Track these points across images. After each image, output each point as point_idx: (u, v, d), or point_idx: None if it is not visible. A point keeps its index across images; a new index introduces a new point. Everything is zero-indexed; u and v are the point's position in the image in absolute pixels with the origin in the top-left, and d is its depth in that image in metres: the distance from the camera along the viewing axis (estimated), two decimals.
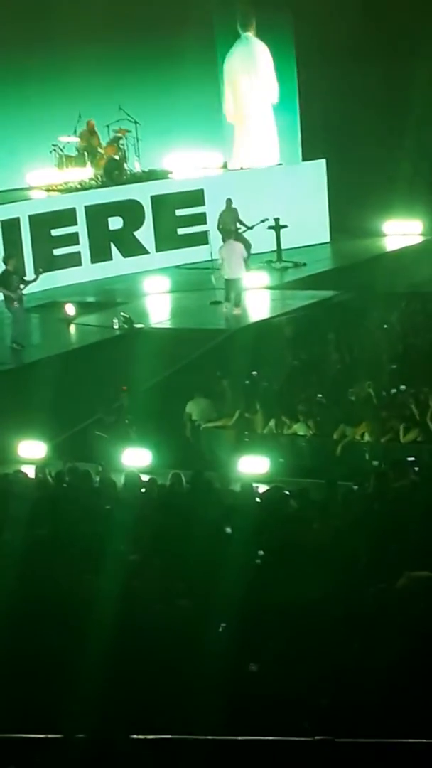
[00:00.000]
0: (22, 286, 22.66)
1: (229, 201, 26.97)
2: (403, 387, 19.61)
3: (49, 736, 7.97)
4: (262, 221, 24.75)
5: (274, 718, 8.37)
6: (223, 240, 26.04)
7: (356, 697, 8.54)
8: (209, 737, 7.81)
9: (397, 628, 9.39)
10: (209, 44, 29.60)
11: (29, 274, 23.18)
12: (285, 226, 27.60)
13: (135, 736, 7.78)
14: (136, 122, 28.58)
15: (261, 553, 11.80)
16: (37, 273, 22.90)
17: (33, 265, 25.14)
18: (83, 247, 27.17)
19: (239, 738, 7.77)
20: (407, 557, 11.11)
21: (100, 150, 28.62)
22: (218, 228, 26.78)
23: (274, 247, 27.77)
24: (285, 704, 8.59)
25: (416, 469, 15.63)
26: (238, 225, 26.30)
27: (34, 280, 22.87)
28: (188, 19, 28.15)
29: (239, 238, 25.68)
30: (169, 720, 8.29)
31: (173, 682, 9.00)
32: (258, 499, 14.45)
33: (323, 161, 29.39)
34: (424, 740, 7.60)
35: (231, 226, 26.52)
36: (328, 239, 29.30)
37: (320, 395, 19.91)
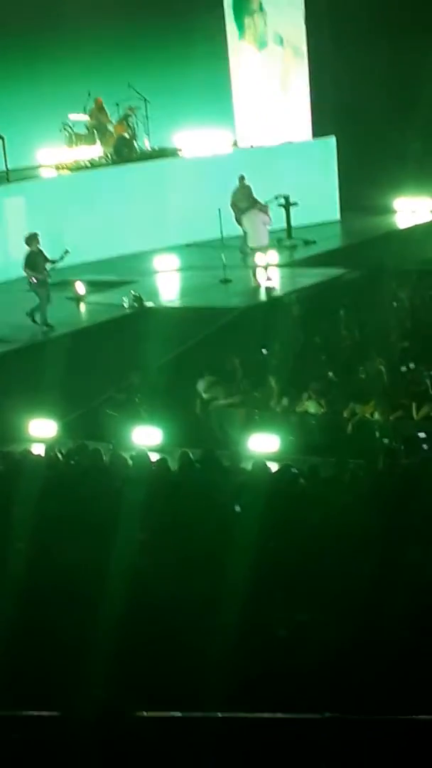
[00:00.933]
0: (48, 266, 22.57)
1: (241, 177, 26.97)
2: (412, 365, 19.59)
3: (55, 714, 8.02)
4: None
5: (283, 695, 8.39)
6: (236, 217, 26.18)
7: (365, 674, 8.56)
8: (218, 714, 7.84)
9: (405, 604, 9.42)
10: (219, 21, 29.50)
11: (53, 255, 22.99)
12: (295, 204, 27.53)
13: (144, 713, 7.81)
14: (146, 100, 28.51)
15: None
16: (64, 253, 22.78)
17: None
18: None
19: (248, 715, 7.80)
20: (417, 533, 11.13)
21: (109, 128, 28.57)
22: (231, 205, 26.78)
23: (284, 225, 27.72)
24: (294, 681, 8.62)
25: (425, 447, 15.63)
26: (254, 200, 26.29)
27: (61, 259, 22.70)
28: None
29: (262, 209, 25.60)
30: (179, 697, 8.33)
31: (183, 660, 9.04)
32: (268, 478, 14.45)
33: (333, 138, 29.31)
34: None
35: (243, 203, 26.56)
36: (338, 217, 29.23)
37: (331, 373, 19.88)
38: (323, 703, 7.88)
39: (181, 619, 9.73)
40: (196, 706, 7.97)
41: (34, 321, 22.54)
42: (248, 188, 26.92)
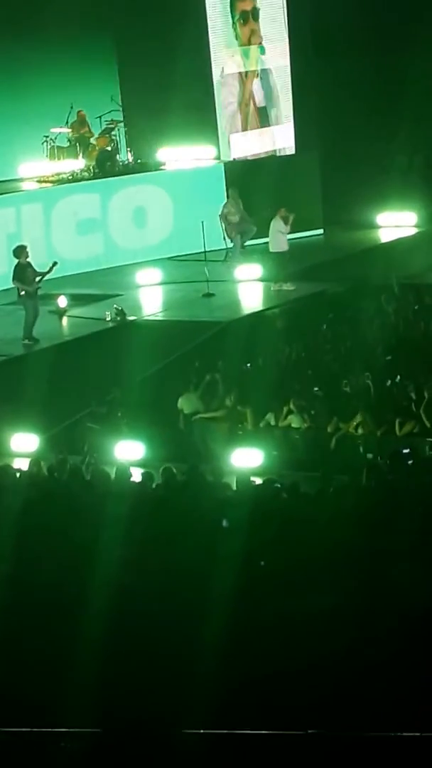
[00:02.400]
0: (37, 279, 22.48)
1: (232, 191, 27.22)
2: (398, 378, 19.56)
3: (45, 729, 7.94)
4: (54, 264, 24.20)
5: (268, 712, 8.32)
6: (226, 231, 26.80)
7: (352, 691, 8.49)
8: (202, 731, 7.78)
9: (392, 620, 9.35)
10: (202, 35, 29.48)
11: (42, 266, 22.91)
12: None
13: (129, 730, 7.74)
14: (122, 112, 28.45)
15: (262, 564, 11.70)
16: (53, 264, 22.69)
17: None
18: None
19: (233, 732, 7.73)
20: (401, 549, 11.06)
21: (92, 141, 28.52)
22: (220, 217, 26.82)
23: (268, 239, 27.67)
24: (280, 697, 8.55)
25: (410, 462, 15.58)
26: None
27: (50, 271, 22.63)
28: (181, 9, 28.12)
29: (283, 217, 25.70)
30: (164, 714, 8.24)
31: (168, 677, 8.96)
32: (252, 493, 14.37)
33: (316, 152, 29.31)
34: (416, 734, 7.56)
35: (234, 217, 26.64)
36: (321, 231, 29.20)
37: (316, 388, 19.83)
38: (308, 720, 7.82)
39: (166, 636, 9.63)
40: (180, 723, 7.89)
41: (31, 340, 22.42)
42: (239, 201, 26.98)
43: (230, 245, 27.36)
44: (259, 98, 29.94)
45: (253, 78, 29.78)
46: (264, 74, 29.81)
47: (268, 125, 29.87)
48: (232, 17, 29.23)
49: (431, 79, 28.47)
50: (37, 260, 23.15)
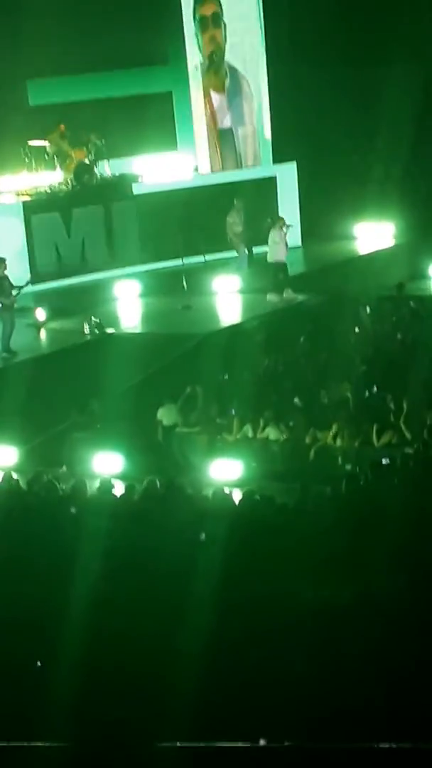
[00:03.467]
0: (14, 291, 22.45)
1: (237, 201, 27.52)
2: (375, 390, 19.61)
3: (25, 744, 7.91)
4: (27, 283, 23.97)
5: (247, 725, 8.31)
6: (230, 240, 27.19)
7: (333, 704, 8.49)
8: (179, 744, 7.77)
9: (374, 629, 9.37)
10: (179, 46, 29.53)
11: (19, 280, 22.90)
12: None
13: (106, 743, 7.72)
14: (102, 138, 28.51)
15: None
16: (28, 281, 22.71)
17: None
18: None
19: (209, 744, 7.73)
20: (380, 559, 11.08)
21: (69, 154, 28.49)
22: (227, 227, 27.27)
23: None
24: (259, 709, 8.54)
25: (389, 472, 15.59)
26: None
27: (26, 285, 22.62)
28: (159, 21, 28.19)
29: (282, 226, 25.76)
30: (141, 727, 8.23)
31: (145, 690, 8.94)
32: (232, 505, 14.37)
33: (294, 164, 29.39)
34: (394, 745, 7.58)
35: (238, 227, 27.29)
36: (299, 243, 29.25)
37: (297, 399, 19.86)
38: (288, 733, 7.82)
39: (144, 649, 9.62)
40: (157, 736, 7.88)
41: (9, 353, 22.39)
42: (242, 212, 27.40)
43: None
44: (223, 119, 30.06)
45: (217, 96, 29.89)
46: (233, 91, 29.92)
47: (234, 147, 29.97)
48: (194, 25, 29.32)
49: (408, 90, 28.58)
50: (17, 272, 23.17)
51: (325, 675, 8.84)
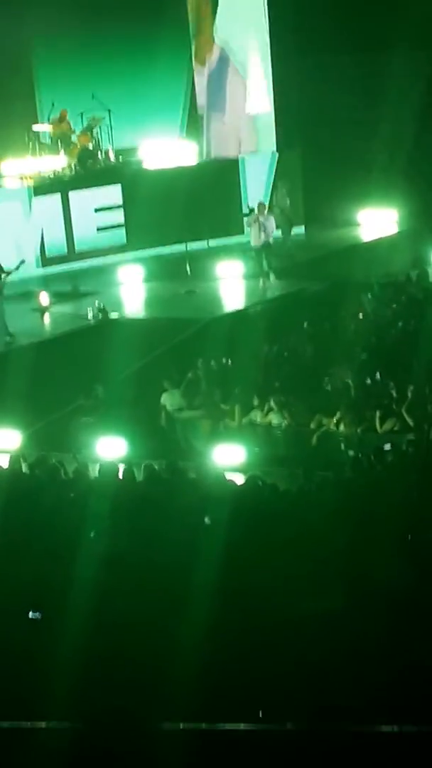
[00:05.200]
0: (3, 275, 22.44)
1: (282, 182, 28.06)
2: (378, 376, 19.62)
3: (27, 725, 7.95)
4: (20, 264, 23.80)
5: (249, 708, 8.35)
6: (277, 221, 27.17)
7: (334, 687, 8.53)
8: (183, 725, 7.81)
9: (375, 614, 9.41)
10: (183, 32, 29.52)
11: (8, 264, 22.89)
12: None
13: (110, 724, 7.76)
14: (109, 111, 28.47)
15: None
16: (20, 263, 22.68)
17: None
18: None
19: (213, 726, 7.76)
20: (383, 544, 11.12)
21: (73, 139, 28.49)
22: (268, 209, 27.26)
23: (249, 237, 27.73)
24: (261, 693, 8.58)
25: (390, 459, 15.63)
26: None
27: (17, 269, 22.61)
28: (162, 6, 28.15)
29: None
30: (145, 709, 8.27)
31: (149, 672, 8.98)
32: (235, 490, 14.40)
33: (298, 151, 29.37)
34: (396, 728, 7.62)
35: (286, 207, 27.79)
36: (302, 230, 29.24)
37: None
38: (288, 716, 7.86)
39: (147, 631, 9.66)
40: (161, 717, 7.92)
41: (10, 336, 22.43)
42: (286, 192, 28.00)
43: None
44: (201, 100, 30.05)
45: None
46: (218, 72, 29.90)
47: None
48: None
49: (412, 76, 28.54)
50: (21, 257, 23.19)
51: (330, 656, 8.89)
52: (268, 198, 28.40)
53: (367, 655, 8.96)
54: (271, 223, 26.12)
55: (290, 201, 28.40)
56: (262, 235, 25.65)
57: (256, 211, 25.99)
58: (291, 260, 27.30)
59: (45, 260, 27.02)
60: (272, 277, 25.48)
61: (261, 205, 26.34)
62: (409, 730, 7.55)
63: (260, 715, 7.98)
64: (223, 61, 29.90)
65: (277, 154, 29.40)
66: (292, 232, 28.29)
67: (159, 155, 29.05)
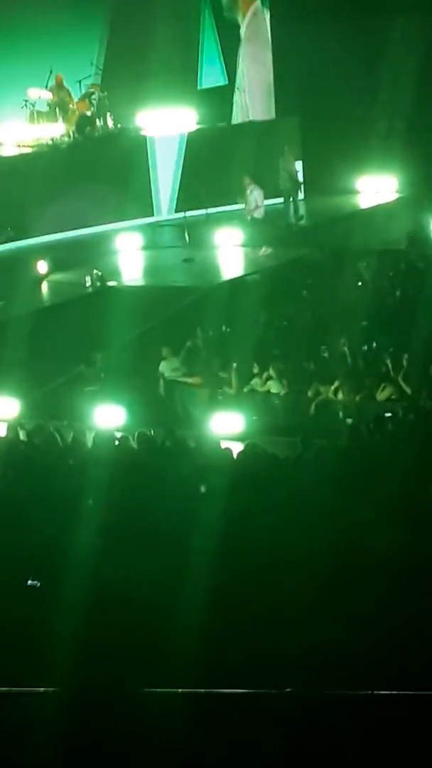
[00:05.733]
0: None
1: (289, 146, 27.90)
2: (374, 344, 19.62)
3: (25, 690, 7.98)
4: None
5: (250, 677, 8.38)
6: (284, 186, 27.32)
7: (332, 655, 8.55)
8: (181, 690, 7.83)
9: (371, 583, 9.42)
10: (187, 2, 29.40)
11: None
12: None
13: (106, 690, 7.78)
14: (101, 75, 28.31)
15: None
16: (7, 230, 22.66)
17: None
18: None
19: (211, 691, 7.79)
20: (380, 512, 11.13)
21: (71, 106, 28.35)
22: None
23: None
24: (259, 660, 8.61)
25: (389, 426, 15.65)
26: None
27: (1, 236, 22.59)
28: None
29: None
30: (142, 675, 8.30)
31: (147, 641, 9.00)
32: (233, 457, 14.41)
33: (297, 119, 29.26)
34: (394, 692, 7.64)
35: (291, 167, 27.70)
36: (301, 197, 29.16)
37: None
38: (288, 681, 7.89)
39: (144, 600, 9.67)
40: (157, 683, 7.95)
41: None
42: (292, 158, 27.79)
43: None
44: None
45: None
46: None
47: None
48: None
49: (412, 43, 28.38)
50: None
51: (327, 624, 8.90)
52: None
53: (366, 622, 8.98)
54: (258, 192, 26.04)
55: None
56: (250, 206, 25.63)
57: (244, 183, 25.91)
58: (299, 225, 27.25)
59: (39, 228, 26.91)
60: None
61: (247, 177, 26.33)
62: (406, 695, 7.59)
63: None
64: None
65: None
66: (300, 196, 28.08)
67: (158, 122, 28.92)
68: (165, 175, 27.92)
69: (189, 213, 26.42)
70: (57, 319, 22.03)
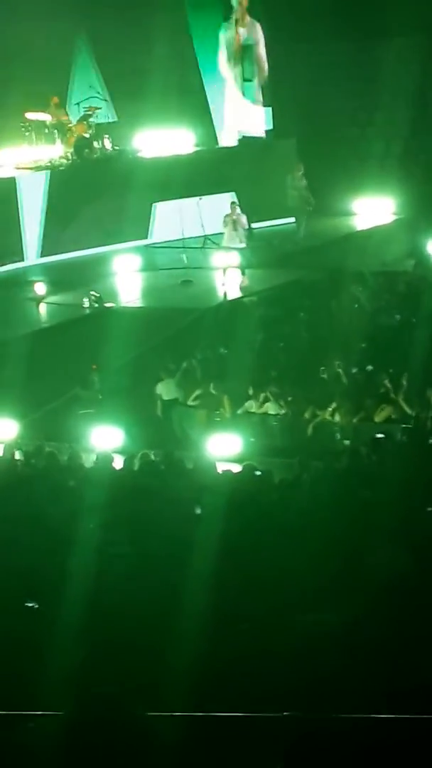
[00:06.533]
0: None
1: (299, 165, 27.87)
2: (370, 367, 19.65)
3: (18, 712, 7.95)
4: None
5: (246, 696, 8.36)
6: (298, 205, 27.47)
7: (328, 674, 8.54)
8: (178, 713, 7.81)
9: (371, 603, 9.41)
10: (182, 22, 29.46)
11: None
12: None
13: (103, 712, 7.76)
14: (106, 100, 28.43)
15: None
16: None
17: None
18: None
19: (209, 714, 7.77)
20: (378, 534, 11.12)
21: (69, 128, 28.44)
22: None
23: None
24: (258, 682, 8.59)
25: (386, 448, 15.65)
26: None
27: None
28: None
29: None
30: (138, 697, 8.28)
31: (143, 660, 8.99)
32: (231, 479, 14.40)
33: (294, 140, 29.35)
34: (393, 715, 7.62)
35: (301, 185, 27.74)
36: (295, 220, 29.22)
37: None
38: (286, 703, 7.86)
39: (142, 622, 9.66)
40: (154, 705, 7.93)
41: None
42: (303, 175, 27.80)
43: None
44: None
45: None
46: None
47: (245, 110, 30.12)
48: None
49: (408, 63, 28.51)
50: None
51: (326, 645, 8.89)
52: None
53: (365, 644, 8.96)
54: (244, 219, 26.07)
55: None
56: (236, 233, 25.54)
57: (229, 210, 25.90)
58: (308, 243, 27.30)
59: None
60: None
61: (232, 204, 26.38)
62: (405, 718, 7.57)
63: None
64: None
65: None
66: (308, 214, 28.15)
67: (156, 144, 29.00)
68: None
69: (187, 235, 26.46)
70: (54, 340, 22.05)
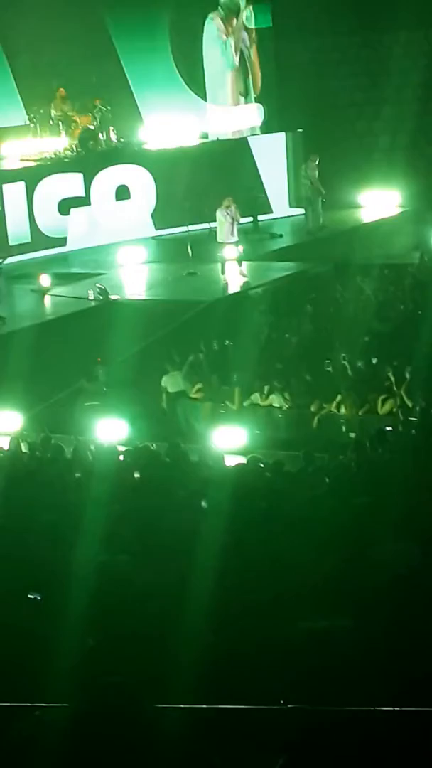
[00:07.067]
0: None
1: (314, 155, 27.75)
2: (375, 360, 19.63)
3: (23, 704, 7.95)
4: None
5: (251, 689, 8.36)
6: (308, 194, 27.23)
7: (333, 666, 8.54)
8: (183, 706, 7.81)
9: (375, 596, 9.40)
10: (187, 12, 29.42)
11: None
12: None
13: (108, 705, 7.76)
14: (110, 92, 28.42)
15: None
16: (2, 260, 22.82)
17: None
18: None
19: (213, 707, 7.76)
20: (384, 527, 11.11)
21: (74, 119, 28.41)
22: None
23: (251, 219, 27.70)
24: (262, 674, 8.59)
25: (392, 440, 15.63)
26: None
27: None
28: None
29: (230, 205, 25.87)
30: (143, 689, 8.28)
31: (151, 654, 8.99)
32: (235, 471, 14.39)
33: (300, 133, 29.30)
34: (396, 708, 7.61)
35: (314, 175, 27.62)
36: (304, 210, 29.19)
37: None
38: (291, 695, 7.86)
39: (148, 613, 9.66)
40: (159, 698, 7.92)
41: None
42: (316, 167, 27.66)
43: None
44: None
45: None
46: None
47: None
48: None
49: (414, 57, 28.48)
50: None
51: (330, 639, 8.88)
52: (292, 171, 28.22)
53: (371, 636, 8.96)
54: (237, 214, 26.00)
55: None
56: (234, 227, 25.43)
57: (223, 204, 25.85)
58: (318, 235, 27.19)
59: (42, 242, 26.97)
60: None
61: (227, 198, 26.33)
62: (409, 711, 7.56)
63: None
64: None
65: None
66: (321, 204, 28.05)
67: (161, 135, 28.96)
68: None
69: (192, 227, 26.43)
70: (59, 332, 22.04)
